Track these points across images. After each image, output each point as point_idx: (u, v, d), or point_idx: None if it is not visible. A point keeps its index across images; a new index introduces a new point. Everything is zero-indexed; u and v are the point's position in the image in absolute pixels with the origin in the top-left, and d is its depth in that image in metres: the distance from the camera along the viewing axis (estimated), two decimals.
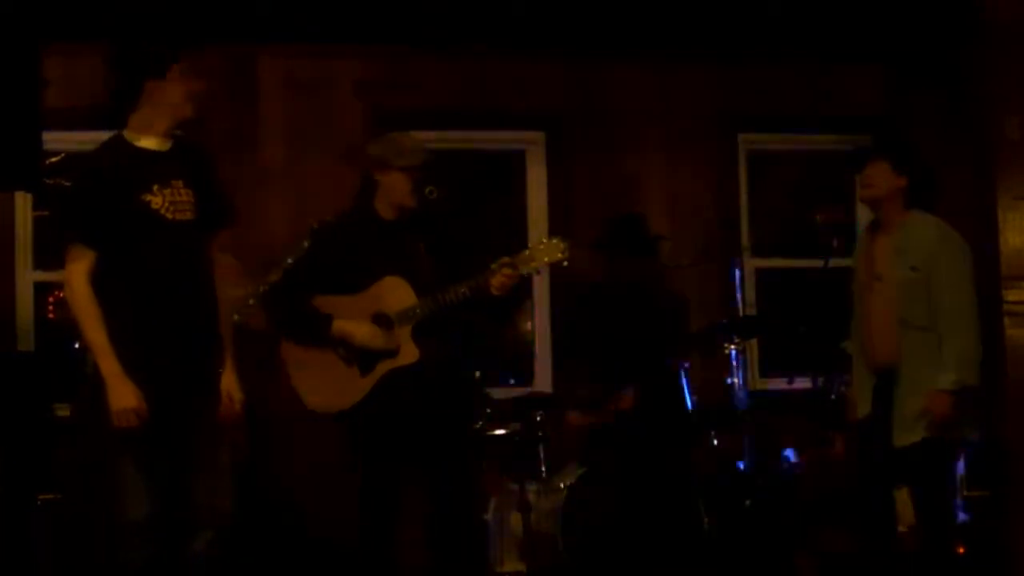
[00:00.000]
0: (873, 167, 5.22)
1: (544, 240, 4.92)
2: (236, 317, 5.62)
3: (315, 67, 7.46)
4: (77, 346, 6.12)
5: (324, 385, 4.97)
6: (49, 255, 7.30)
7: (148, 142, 4.32)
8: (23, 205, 7.19)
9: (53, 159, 6.84)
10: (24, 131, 5.10)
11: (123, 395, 4.13)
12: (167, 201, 4.26)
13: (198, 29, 6.64)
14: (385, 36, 7.29)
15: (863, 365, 5.24)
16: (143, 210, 4.22)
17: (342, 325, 4.87)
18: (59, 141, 6.67)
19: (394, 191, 4.98)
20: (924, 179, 5.19)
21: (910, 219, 5.20)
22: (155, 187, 4.25)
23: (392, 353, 4.86)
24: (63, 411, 6.32)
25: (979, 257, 5.21)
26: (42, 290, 7.28)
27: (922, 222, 5.19)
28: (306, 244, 5.14)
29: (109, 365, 4.16)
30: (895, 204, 5.21)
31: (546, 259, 4.81)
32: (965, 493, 6.58)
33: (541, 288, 7.61)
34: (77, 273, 4.21)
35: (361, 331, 4.86)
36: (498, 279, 4.76)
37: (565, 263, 4.85)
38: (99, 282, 4.22)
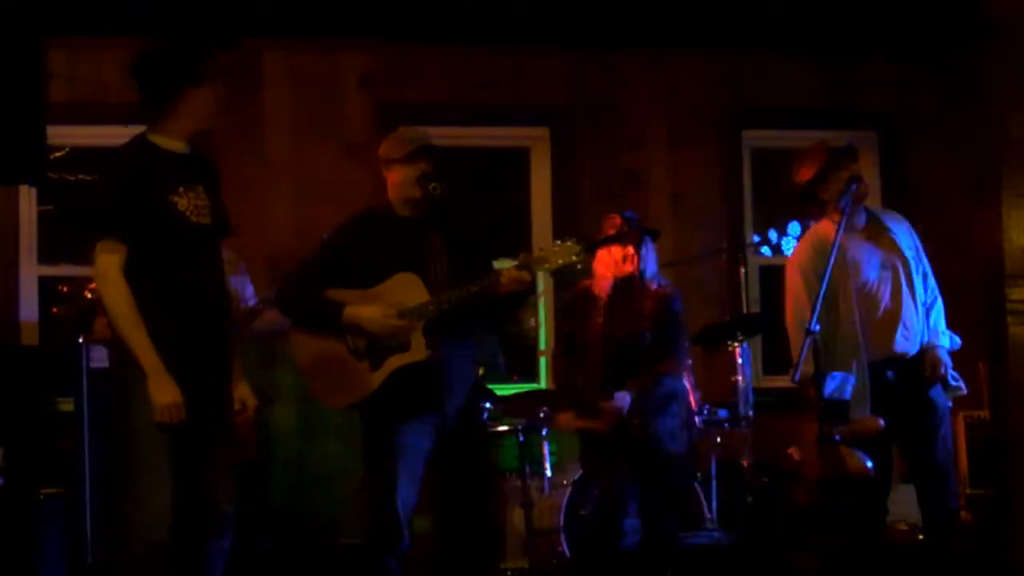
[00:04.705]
0: (860, 169, 5.39)
1: (558, 242, 4.88)
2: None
3: (320, 62, 7.47)
4: (81, 340, 6.15)
5: (337, 380, 4.96)
6: (54, 250, 7.32)
7: (172, 145, 4.32)
8: (28, 199, 7.20)
9: (58, 154, 6.87)
10: (28, 125, 5.10)
11: (167, 390, 4.12)
12: (191, 204, 4.27)
13: (204, 23, 6.67)
14: (390, 31, 7.29)
15: (863, 362, 5.23)
16: (170, 210, 4.22)
17: (353, 310, 4.87)
18: (62, 136, 6.70)
19: (400, 185, 4.98)
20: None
21: (881, 213, 5.53)
22: (180, 189, 4.25)
23: (403, 348, 4.86)
24: (66, 406, 6.33)
25: (982, 255, 5.22)
26: (46, 285, 7.28)
27: (891, 213, 5.56)
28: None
29: (151, 360, 4.13)
30: (864, 203, 5.44)
31: (560, 261, 4.77)
32: (968, 492, 6.59)
33: (545, 285, 7.61)
34: (113, 265, 4.16)
35: (372, 312, 4.84)
36: (509, 278, 4.75)
37: (579, 266, 4.83)
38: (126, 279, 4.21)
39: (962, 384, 5.34)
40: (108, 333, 4.35)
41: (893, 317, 5.25)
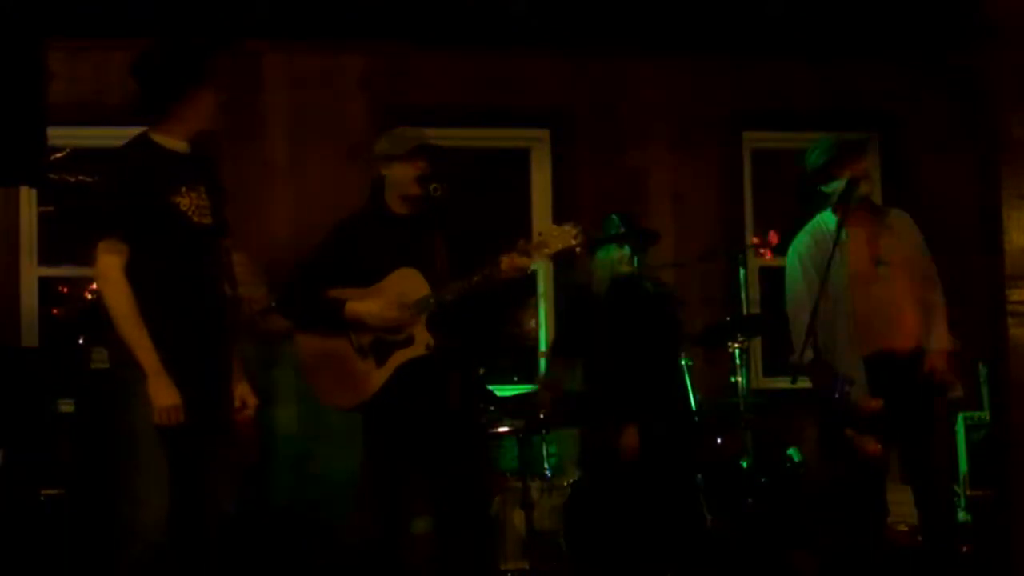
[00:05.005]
0: (866, 165, 5.37)
1: (557, 227, 4.88)
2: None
3: (320, 63, 7.47)
4: (81, 341, 6.16)
5: (341, 380, 4.96)
6: (54, 251, 7.32)
7: (174, 145, 4.32)
8: (28, 200, 7.20)
9: (58, 155, 6.87)
10: (29, 126, 5.11)
11: (167, 393, 4.13)
12: (193, 204, 4.27)
13: (204, 24, 6.67)
14: (390, 33, 7.30)
15: (857, 356, 5.21)
16: (172, 211, 4.23)
17: (355, 306, 4.87)
18: (62, 137, 6.70)
19: (398, 183, 4.99)
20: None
21: (888, 210, 5.50)
22: (182, 189, 4.26)
23: (407, 343, 4.86)
24: (66, 406, 6.33)
25: (982, 256, 5.21)
26: (46, 286, 7.28)
27: (896, 210, 5.51)
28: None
29: (151, 361, 4.14)
30: (871, 200, 5.43)
31: (559, 245, 4.77)
32: (968, 493, 6.58)
33: (545, 285, 7.61)
34: (114, 267, 4.18)
35: (373, 307, 4.85)
36: (509, 263, 4.74)
37: (578, 249, 4.82)
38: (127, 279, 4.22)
39: (958, 387, 5.32)
40: None
41: (886, 314, 5.22)
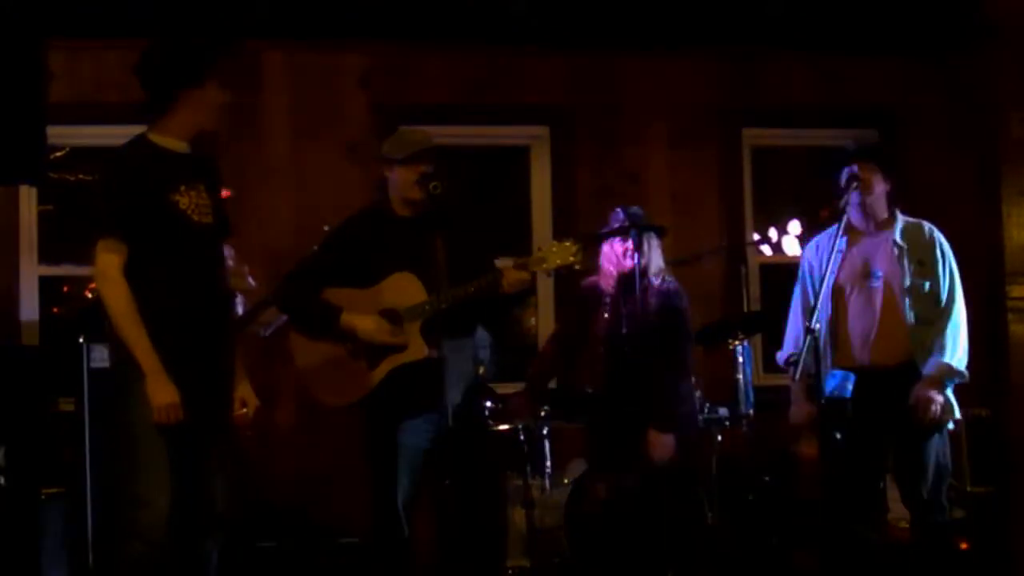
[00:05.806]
0: (865, 170, 5.22)
1: (557, 243, 4.89)
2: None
3: (320, 62, 7.47)
4: (81, 341, 6.15)
5: (332, 379, 4.97)
6: (54, 250, 7.32)
7: (173, 144, 4.32)
8: (28, 200, 7.19)
9: (58, 154, 6.87)
10: (29, 125, 5.11)
11: (165, 391, 4.13)
12: (193, 203, 4.27)
13: (204, 23, 6.67)
14: (390, 32, 7.30)
15: (837, 365, 5.17)
16: (172, 210, 4.22)
17: (350, 318, 4.88)
18: (62, 136, 6.71)
19: (400, 185, 5.00)
20: (899, 187, 5.30)
21: (900, 220, 5.28)
22: (182, 188, 4.26)
23: (400, 348, 4.86)
24: (67, 406, 6.33)
25: (982, 253, 5.20)
26: (47, 285, 7.28)
27: (913, 222, 5.29)
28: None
29: (150, 361, 4.14)
30: (881, 207, 5.27)
31: (558, 261, 4.79)
32: (969, 489, 6.58)
33: (545, 285, 7.60)
34: (113, 266, 4.17)
35: (367, 324, 4.87)
36: (512, 278, 4.76)
37: (577, 267, 4.84)
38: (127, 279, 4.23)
39: (948, 417, 5.12)
40: None
41: (866, 330, 5.15)
